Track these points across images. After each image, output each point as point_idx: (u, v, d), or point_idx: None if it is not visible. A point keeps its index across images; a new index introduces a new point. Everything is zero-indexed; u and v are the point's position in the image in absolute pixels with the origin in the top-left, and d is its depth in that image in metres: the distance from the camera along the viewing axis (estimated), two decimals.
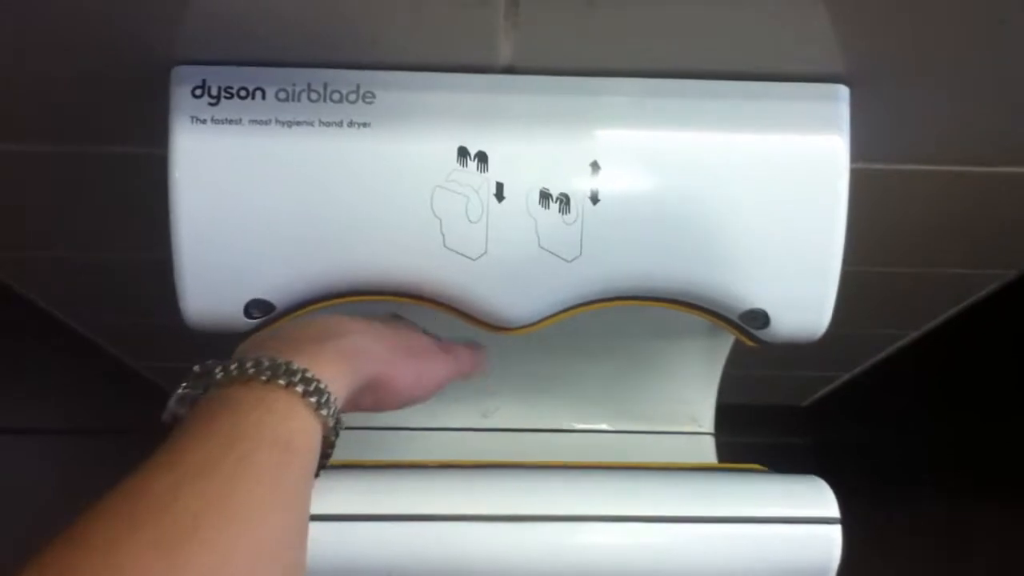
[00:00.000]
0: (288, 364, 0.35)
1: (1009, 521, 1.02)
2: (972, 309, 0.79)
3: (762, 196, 0.44)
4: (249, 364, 0.34)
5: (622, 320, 0.61)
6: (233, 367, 0.34)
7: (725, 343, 0.63)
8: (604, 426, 0.67)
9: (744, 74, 0.44)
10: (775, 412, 1.20)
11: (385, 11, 0.39)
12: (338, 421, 0.36)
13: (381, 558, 0.43)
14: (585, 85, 0.44)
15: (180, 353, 0.93)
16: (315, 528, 0.38)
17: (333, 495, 0.42)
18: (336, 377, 0.36)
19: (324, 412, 0.35)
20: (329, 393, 0.35)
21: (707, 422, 0.68)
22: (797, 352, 0.94)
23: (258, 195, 0.43)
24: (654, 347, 0.66)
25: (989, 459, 1.08)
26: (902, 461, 1.19)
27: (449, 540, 0.44)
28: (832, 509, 0.43)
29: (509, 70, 0.43)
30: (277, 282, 0.44)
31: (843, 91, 0.44)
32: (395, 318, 0.47)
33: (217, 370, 0.35)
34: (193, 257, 0.43)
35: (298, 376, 0.34)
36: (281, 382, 0.34)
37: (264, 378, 0.34)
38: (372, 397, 0.41)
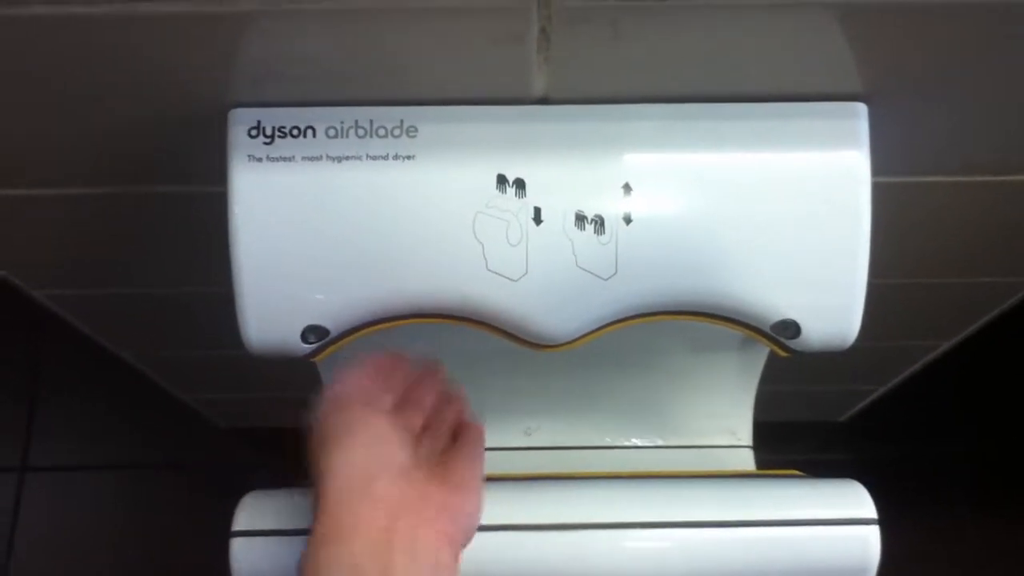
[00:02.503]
0: None
1: None
2: (1004, 317, 0.80)
3: (789, 211, 0.46)
4: None
5: (657, 336, 0.63)
6: None
7: (760, 355, 0.64)
8: (643, 441, 0.69)
9: (766, 96, 0.46)
10: (813, 428, 1.20)
11: (425, 51, 0.42)
12: None
13: None
14: (615, 112, 0.46)
15: (232, 385, 0.96)
16: None
17: None
18: None
19: None
20: None
21: (745, 435, 0.69)
22: (831, 367, 0.95)
23: (312, 227, 0.46)
24: (689, 361, 0.67)
25: None
26: (942, 474, 1.18)
27: (497, 548, 0.46)
28: (869, 510, 0.45)
29: (543, 101, 0.46)
30: (331, 308, 0.47)
31: (861, 108, 0.46)
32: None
33: None
34: (253, 288, 0.46)
35: None
36: None
37: None
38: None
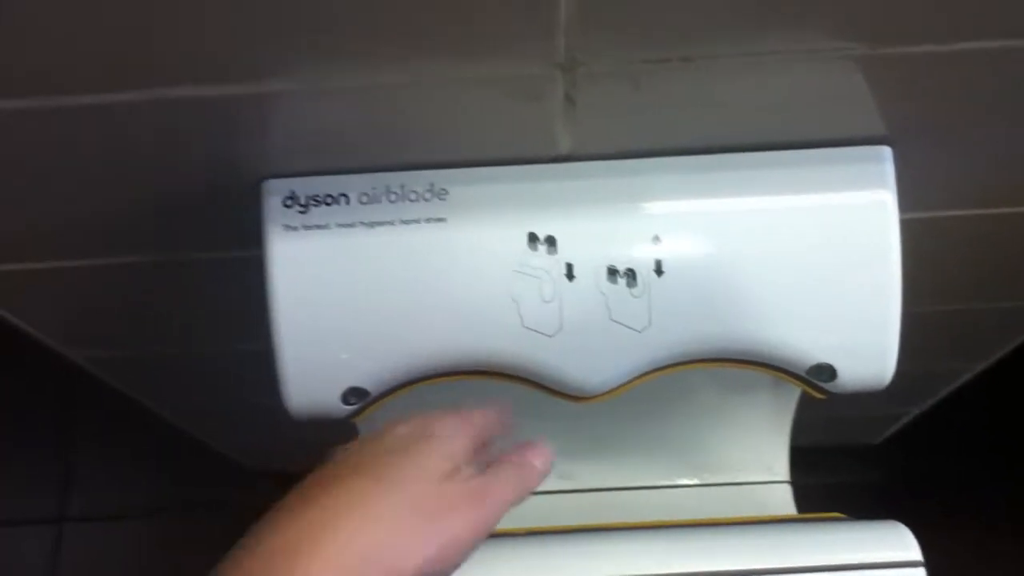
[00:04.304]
0: None
1: None
2: None
3: (819, 256, 0.46)
4: None
5: (689, 375, 0.62)
6: None
7: (794, 390, 0.64)
8: (681, 480, 0.69)
9: (788, 144, 0.47)
10: (849, 452, 1.19)
11: (452, 118, 0.43)
12: None
13: None
14: (640, 166, 0.47)
15: (265, 432, 0.97)
16: None
17: None
18: None
19: None
20: None
21: (782, 470, 0.69)
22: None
23: (349, 292, 0.47)
24: (723, 399, 0.67)
25: None
26: (979, 494, 1.17)
27: None
28: (914, 552, 0.45)
29: (568, 158, 0.47)
30: (371, 370, 0.48)
31: (886, 151, 0.47)
32: (405, 431, 0.39)
33: None
34: (293, 355, 0.47)
35: None
36: None
37: None
38: None
